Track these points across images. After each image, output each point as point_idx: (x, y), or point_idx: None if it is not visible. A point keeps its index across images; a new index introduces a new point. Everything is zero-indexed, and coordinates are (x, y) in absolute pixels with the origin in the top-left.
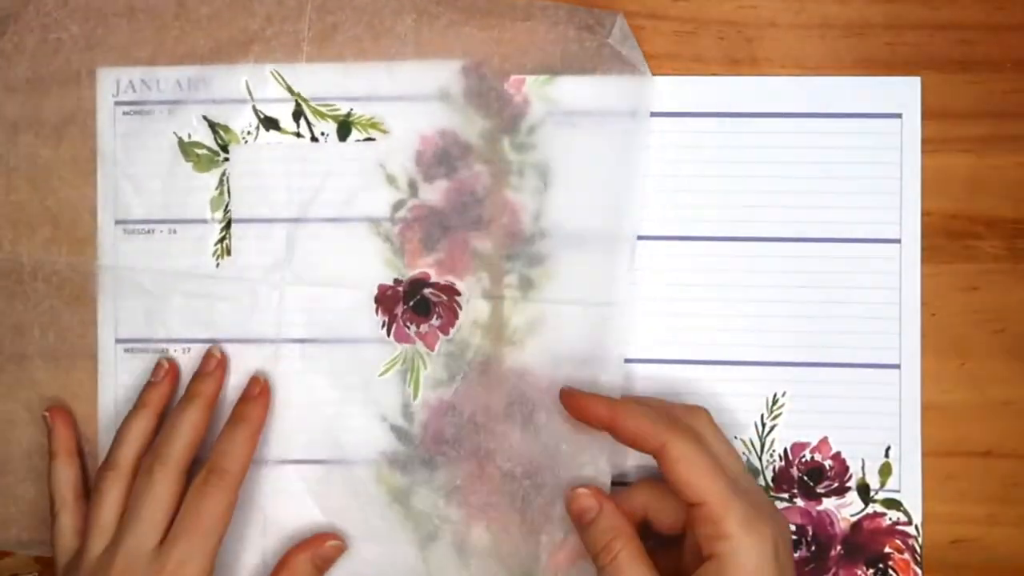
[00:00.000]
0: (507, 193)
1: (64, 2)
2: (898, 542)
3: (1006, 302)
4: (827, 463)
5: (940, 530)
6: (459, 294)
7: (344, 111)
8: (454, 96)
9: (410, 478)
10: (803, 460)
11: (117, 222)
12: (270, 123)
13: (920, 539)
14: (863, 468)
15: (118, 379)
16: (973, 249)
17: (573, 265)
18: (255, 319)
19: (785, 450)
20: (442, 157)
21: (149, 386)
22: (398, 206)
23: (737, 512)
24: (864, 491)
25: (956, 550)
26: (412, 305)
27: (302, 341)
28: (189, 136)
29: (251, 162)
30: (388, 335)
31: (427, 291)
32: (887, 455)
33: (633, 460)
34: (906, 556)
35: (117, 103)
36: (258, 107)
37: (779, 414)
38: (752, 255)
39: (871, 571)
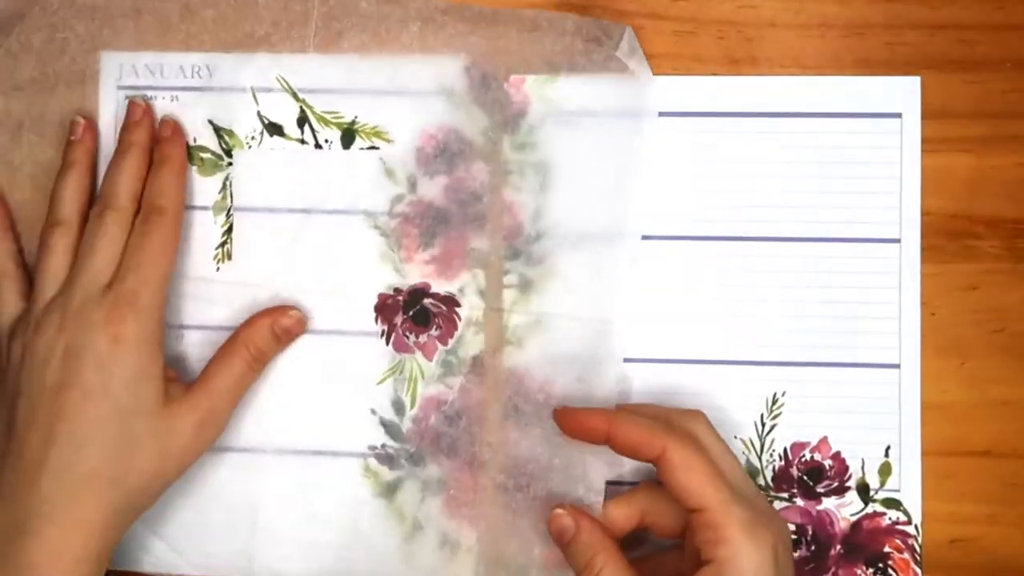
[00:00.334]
0: (507, 193)
1: (70, 2)
2: (898, 542)
3: (1006, 302)
4: (827, 463)
5: (940, 530)
6: (459, 305)
7: (348, 119)
8: (457, 92)
9: (398, 474)
10: (803, 460)
11: None
12: (274, 129)
13: (920, 539)
14: (863, 468)
15: None
16: (973, 249)
17: (573, 265)
18: None
19: (785, 450)
20: (442, 153)
21: (71, 144)
22: (396, 200)
23: (737, 517)
24: (864, 491)
25: (956, 550)
26: (412, 315)
27: (299, 347)
28: (194, 140)
29: (254, 167)
30: (387, 344)
31: (427, 301)
32: (887, 455)
33: (631, 465)
34: (906, 556)
35: (120, 87)
36: (262, 112)
37: (779, 414)
38: (752, 255)
39: (871, 571)
